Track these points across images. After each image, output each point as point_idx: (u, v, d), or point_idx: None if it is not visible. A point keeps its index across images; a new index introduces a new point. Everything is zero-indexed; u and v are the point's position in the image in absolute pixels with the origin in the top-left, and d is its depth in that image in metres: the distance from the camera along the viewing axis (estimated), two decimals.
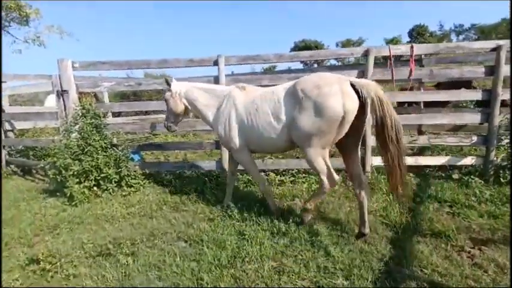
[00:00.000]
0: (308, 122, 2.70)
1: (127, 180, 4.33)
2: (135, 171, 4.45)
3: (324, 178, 2.83)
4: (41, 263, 2.49)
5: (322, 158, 2.81)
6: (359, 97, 2.61)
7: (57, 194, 4.25)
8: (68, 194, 3.96)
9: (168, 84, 3.66)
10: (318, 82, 2.72)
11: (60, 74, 4.33)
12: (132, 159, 4.58)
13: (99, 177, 4.17)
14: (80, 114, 4.37)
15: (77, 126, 4.34)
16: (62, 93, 4.33)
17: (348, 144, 2.92)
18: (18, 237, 3.18)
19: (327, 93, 2.61)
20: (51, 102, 9.60)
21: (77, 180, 4.06)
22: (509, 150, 4.05)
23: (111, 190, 4.24)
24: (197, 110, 3.63)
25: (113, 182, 4.23)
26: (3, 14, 12.42)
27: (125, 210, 3.78)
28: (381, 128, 2.58)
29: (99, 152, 4.20)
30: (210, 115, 3.53)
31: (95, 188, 4.18)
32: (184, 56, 4.41)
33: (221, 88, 3.66)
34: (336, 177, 2.86)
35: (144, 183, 4.46)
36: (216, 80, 4.18)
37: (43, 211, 3.85)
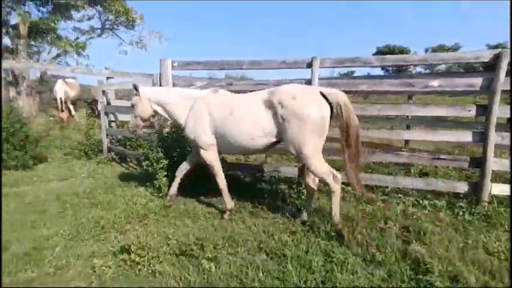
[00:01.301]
0: (292, 132, 2.96)
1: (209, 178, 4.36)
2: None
3: (329, 181, 3.02)
4: (132, 254, 2.56)
5: (320, 164, 3.02)
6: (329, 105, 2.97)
7: (147, 184, 4.52)
8: (157, 186, 4.16)
9: (136, 89, 3.77)
10: (293, 92, 2.99)
11: (161, 73, 4.60)
12: None
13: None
14: None
15: (170, 122, 4.55)
16: None
17: None
18: (112, 222, 3.39)
19: (303, 102, 2.91)
20: None
21: (166, 173, 4.23)
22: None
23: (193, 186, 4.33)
24: (168, 112, 3.75)
25: (197, 179, 4.30)
26: (112, 17, 14.23)
27: (206, 209, 3.79)
28: (346, 129, 2.95)
29: (188, 148, 4.32)
30: (181, 116, 3.63)
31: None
32: (276, 57, 4.26)
33: (194, 91, 3.81)
34: (339, 175, 3.08)
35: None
36: (309, 84, 3.91)
37: (134, 199, 4.10)
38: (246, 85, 4.43)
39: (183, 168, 3.91)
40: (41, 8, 13.10)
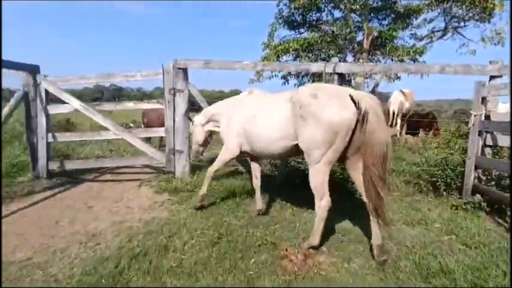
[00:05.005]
0: (307, 134, 2.69)
1: None
2: None
3: (318, 201, 2.74)
4: None
5: (322, 176, 2.69)
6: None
7: None
8: None
9: (190, 120, 4.35)
10: (316, 91, 2.71)
11: None
12: None
13: None
14: None
15: None
16: None
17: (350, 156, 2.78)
18: None
19: (324, 104, 2.60)
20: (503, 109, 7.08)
21: None
22: None
23: None
24: (216, 123, 3.95)
25: None
26: (461, 12, 11.49)
27: None
28: (369, 144, 2.51)
29: None
30: (223, 120, 3.74)
31: None
32: None
33: (236, 96, 3.93)
34: (328, 203, 2.73)
35: None
36: None
37: None
38: None
39: None
40: (383, 22, 13.08)
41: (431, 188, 4.62)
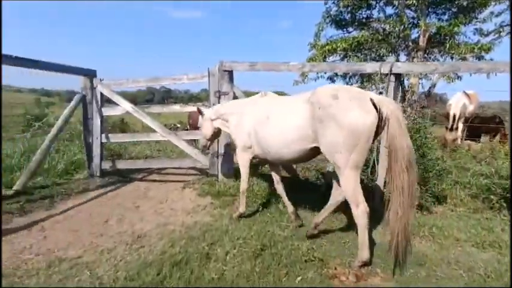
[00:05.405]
0: (328, 138, 2.59)
1: None
2: None
3: (354, 209, 2.56)
4: None
5: (352, 182, 2.55)
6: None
7: None
8: None
9: (201, 112, 4.11)
10: (336, 93, 2.60)
11: None
12: None
13: None
14: None
15: None
16: None
17: None
18: None
19: (345, 106, 2.50)
20: None
21: None
22: None
23: None
24: (225, 123, 3.83)
25: None
26: None
27: None
28: (391, 150, 2.42)
29: None
30: (232, 120, 3.68)
31: None
32: None
33: (249, 98, 3.89)
34: (366, 208, 2.55)
35: None
36: None
37: None
38: None
39: None
40: (442, 17, 11.99)
41: (504, 205, 4.01)
